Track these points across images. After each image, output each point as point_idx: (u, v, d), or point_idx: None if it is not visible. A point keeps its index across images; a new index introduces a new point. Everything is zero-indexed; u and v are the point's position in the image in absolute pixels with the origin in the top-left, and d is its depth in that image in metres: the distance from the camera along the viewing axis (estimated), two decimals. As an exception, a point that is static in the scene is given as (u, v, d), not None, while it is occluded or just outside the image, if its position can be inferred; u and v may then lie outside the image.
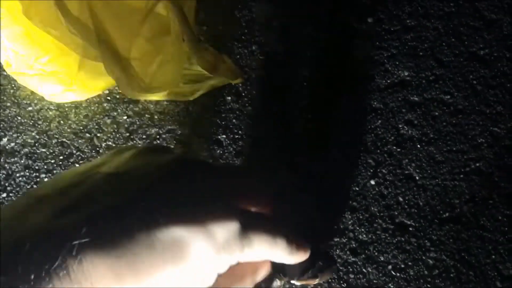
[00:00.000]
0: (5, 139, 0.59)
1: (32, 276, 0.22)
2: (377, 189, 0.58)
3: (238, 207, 0.30)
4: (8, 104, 0.60)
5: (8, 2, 0.51)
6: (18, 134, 0.59)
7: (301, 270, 0.36)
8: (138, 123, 0.60)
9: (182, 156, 0.32)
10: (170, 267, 0.26)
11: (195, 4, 0.54)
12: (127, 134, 0.60)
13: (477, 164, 0.59)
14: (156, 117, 0.61)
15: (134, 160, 0.31)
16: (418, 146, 0.60)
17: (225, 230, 0.28)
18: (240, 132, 0.61)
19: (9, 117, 0.59)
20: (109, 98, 0.61)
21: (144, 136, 0.60)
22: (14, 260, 0.23)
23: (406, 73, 0.63)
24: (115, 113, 0.60)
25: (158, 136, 0.60)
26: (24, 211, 0.27)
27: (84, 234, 0.24)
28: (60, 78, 0.53)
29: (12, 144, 0.59)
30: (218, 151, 0.60)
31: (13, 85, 0.60)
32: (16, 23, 0.51)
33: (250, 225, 0.29)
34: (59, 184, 0.28)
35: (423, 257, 0.56)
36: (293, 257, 0.32)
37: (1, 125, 0.59)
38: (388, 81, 0.63)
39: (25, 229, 0.25)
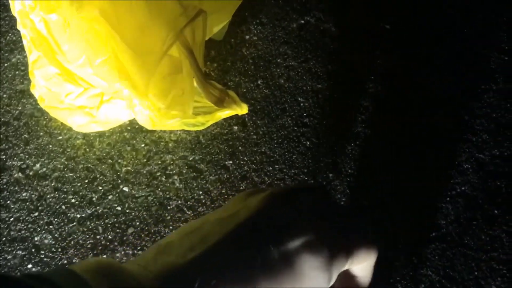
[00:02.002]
0: (38, 165, 0.67)
1: None
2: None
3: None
4: (41, 133, 0.68)
5: (44, 47, 0.59)
6: (49, 160, 0.67)
7: None
8: (154, 150, 0.68)
9: (273, 191, 0.39)
10: (287, 285, 0.33)
11: (203, 47, 0.62)
12: (145, 160, 0.67)
13: (463, 188, 0.64)
14: (170, 144, 0.68)
15: (235, 205, 0.38)
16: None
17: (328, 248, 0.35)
18: (245, 158, 0.67)
19: (42, 145, 0.67)
20: (129, 128, 0.68)
21: (159, 162, 0.67)
22: None
23: (398, 104, 0.69)
24: (134, 142, 0.68)
25: (172, 162, 0.67)
26: (157, 254, 0.34)
27: (209, 265, 0.32)
28: (86, 111, 0.61)
29: (44, 169, 0.67)
30: (225, 175, 0.67)
31: (45, 117, 0.68)
32: (50, 64, 0.59)
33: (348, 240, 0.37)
34: (181, 233, 0.36)
35: (411, 273, 0.61)
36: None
37: (35, 152, 0.67)
38: (382, 111, 0.69)
39: (160, 266, 0.32)
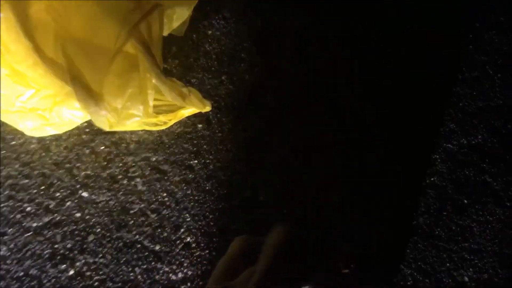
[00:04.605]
0: (-10, 172, 0.63)
1: None
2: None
3: None
4: (-7, 139, 0.64)
5: (-10, 47, 0.55)
6: (2, 167, 0.63)
7: None
8: (115, 152, 0.65)
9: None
10: None
11: (161, 43, 0.59)
12: (105, 163, 0.64)
13: (432, 179, 0.64)
14: (132, 146, 0.65)
15: None
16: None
17: None
18: (210, 157, 0.65)
19: (-6, 151, 0.64)
20: (87, 130, 0.65)
21: (120, 164, 0.64)
22: None
23: (365, 96, 0.68)
24: (93, 144, 0.65)
25: (133, 164, 0.64)
26: None
27: None
28: (39, 114, 0.58)
29: (-3, 177, 0.63)
30: (190, 176, 0.64)
31: (-3, 122, 0.65)
32: (-3, 65, 0.56)
33: None
34: None
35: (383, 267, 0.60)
36: None
37: (-14, 159, 0.63)
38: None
39: None
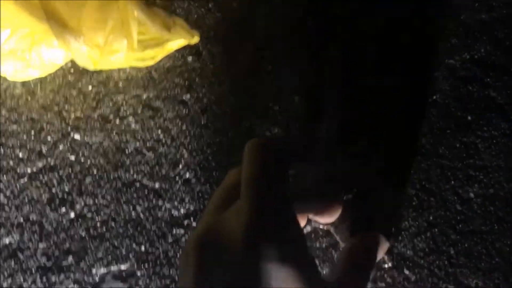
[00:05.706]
0: (-24, 121, 0.61)
1: None
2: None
3: None
4: (-25, 86, 0.62)
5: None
6: (-12, 115, 0.61)
7: None
8: (103, 91, 0.62)
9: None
10: None
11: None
12: (94, 104, 0.62)
13: (434, 97, 0.61)
14: (120, 84, 0.62)
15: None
16: (376, 85, 0.62)
17: None
18: (203, 90, 0.63)
19: (-22, 99, 0.61)
20: (72, 70, 0.62)
21: (111, 104, 0.62)
22: None
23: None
24: (80, 84, 0.62)
25: (124, 102, 0.62)
26: None
27: None
28: (18, 56, 0.55)
29: (-16, 125, 0.61)
30: (184, 111, 0.62)
31: (-23, 68, 0.61)
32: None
33: None
34: None
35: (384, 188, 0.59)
36: None
37: (-29, 108, 0.61)
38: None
39: None
